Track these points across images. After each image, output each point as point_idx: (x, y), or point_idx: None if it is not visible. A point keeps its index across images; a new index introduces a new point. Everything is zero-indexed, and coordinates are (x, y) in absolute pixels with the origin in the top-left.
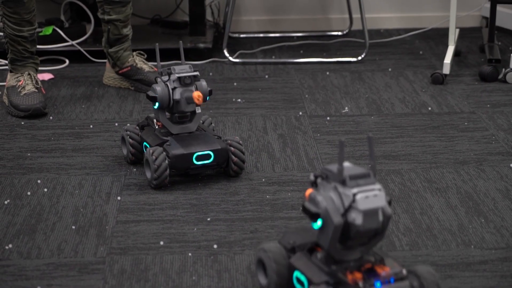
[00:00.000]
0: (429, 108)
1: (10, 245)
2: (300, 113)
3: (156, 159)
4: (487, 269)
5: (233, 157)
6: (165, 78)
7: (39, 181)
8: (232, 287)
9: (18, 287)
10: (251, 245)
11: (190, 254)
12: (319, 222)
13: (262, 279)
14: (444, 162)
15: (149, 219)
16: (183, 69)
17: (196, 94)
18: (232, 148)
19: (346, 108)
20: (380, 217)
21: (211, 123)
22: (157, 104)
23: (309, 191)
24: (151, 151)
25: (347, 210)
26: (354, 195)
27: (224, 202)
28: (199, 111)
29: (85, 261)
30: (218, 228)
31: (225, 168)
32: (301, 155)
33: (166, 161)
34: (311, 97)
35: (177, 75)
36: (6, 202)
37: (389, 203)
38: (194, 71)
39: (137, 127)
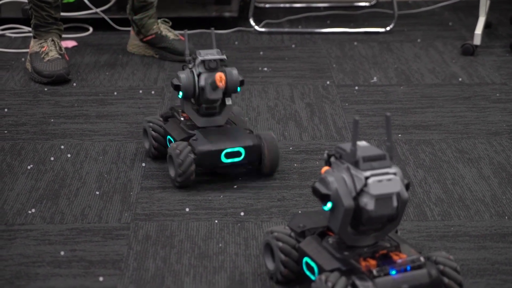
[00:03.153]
0: (460, 79)
1: (33, 210)
2: (328, 82)
3: (180, 154)
4: None
5: (266, 154)
6: (191, 64)
7: (62, 147)
8: (260, 254)
9: (41, 251)
10: (279, 213)
11: (216, 221)
12: (329, 205)
13: (269, 264)
14: (475, 132)
15: (174, 185)
16: (209, 52)
17: (218, 76)
18: (266, 145)
19: (375, 78)
20: (394, 203)
21: (243, 117)
22: (181, 93)
23: (325, 168)
24: (175, 146)
25: (359, 193)
26: (366, 178)
27: (251, 170)
28: (230, 102)
29: (109, 226)
30: (245, 196)
31: (258, 165)
32: (329, 124)
33: (192, 157)
34: (338, 66)
35: (201, 58)
36: (29, 167)
37: (407, 186)
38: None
39: (160, 119)
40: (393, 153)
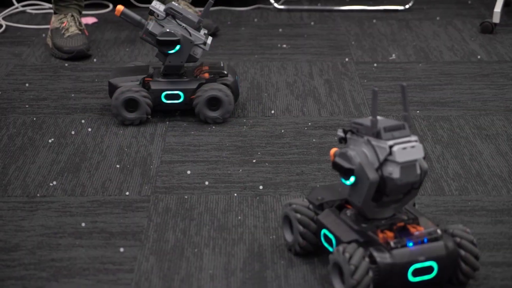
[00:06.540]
0: (478, 57)
1: (54, 182)
2: (347, 59)
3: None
4: None
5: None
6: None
7: (83, 121)
8: (278, 227)
9: (63, 223)
10: (297, 187)
11: (235, 194)
12: (352, 179)
13: (288, 236)
14: (494, 109)
15: (194, 159)
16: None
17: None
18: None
19: (394, 55)
20: (418, 170)
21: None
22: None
23: (333, 150)
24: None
25: (382, 164)
26: (391, 147)
27: (270, 145)
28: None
29: (129, 199)
30: (264, 170)
31: None
32: (348, 100)
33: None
34: (357, 44)
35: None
36: (50, 141)
37: (424, 158)
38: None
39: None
40: (410, 123)
